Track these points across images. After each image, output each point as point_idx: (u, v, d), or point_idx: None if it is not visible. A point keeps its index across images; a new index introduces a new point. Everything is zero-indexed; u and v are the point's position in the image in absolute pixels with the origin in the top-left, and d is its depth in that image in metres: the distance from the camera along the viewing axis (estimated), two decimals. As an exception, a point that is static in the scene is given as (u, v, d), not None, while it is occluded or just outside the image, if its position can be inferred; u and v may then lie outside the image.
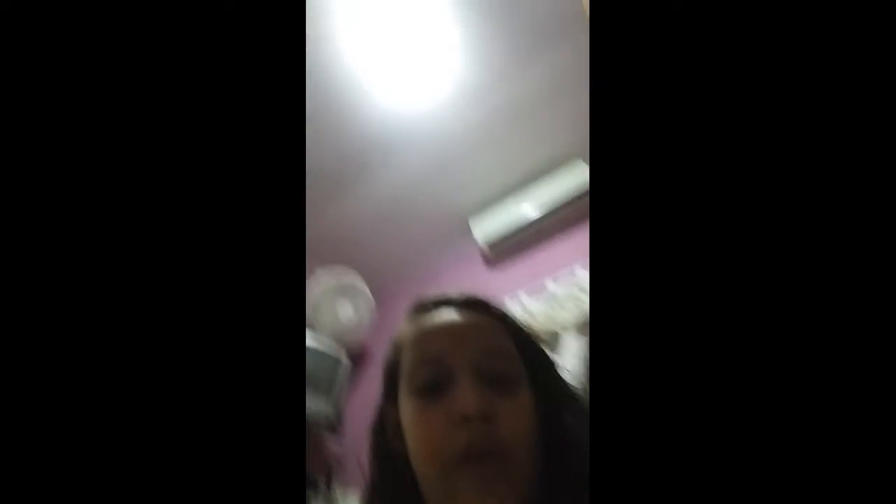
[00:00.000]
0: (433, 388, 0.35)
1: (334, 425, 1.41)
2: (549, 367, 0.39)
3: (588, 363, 0.25)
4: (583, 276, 1.20)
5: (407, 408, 0.36)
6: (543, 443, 0.34)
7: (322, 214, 1.71)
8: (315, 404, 1.29)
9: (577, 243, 1.33)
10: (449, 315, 0.39)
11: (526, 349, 0.39)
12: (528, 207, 1.44)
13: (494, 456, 0.31)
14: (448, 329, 0.38)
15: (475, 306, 0.40)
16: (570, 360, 1.02)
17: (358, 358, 1.56)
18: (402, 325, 0.42)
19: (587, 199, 1.39)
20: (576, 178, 1.38)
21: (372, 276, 1.75)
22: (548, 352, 0.40)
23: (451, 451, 0.32)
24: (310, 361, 1.33)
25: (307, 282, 1.54)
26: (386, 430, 0.40)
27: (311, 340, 1.36)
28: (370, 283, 1.66)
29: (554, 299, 1.19)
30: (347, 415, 1.42)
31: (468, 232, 1.57)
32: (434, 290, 0.43)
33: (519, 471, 0.32)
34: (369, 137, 1.44)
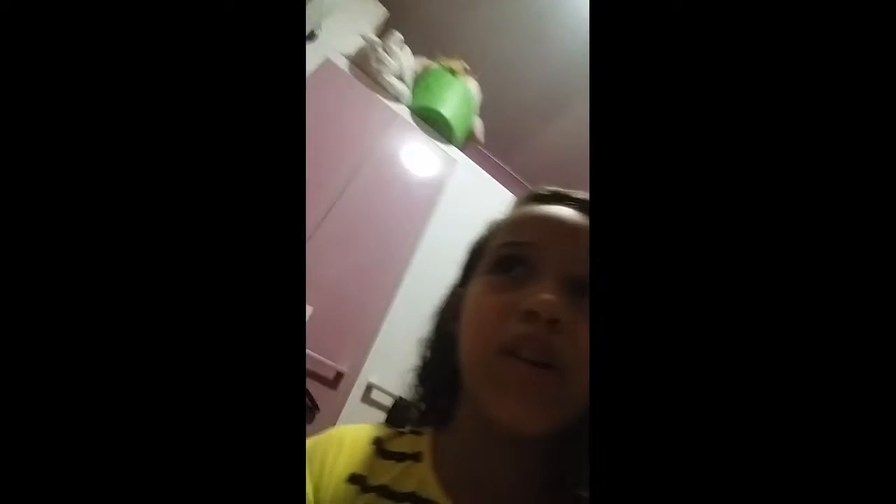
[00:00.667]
0: (509, 271, 0.30)
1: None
2: None
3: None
4: None
5: (475, 285, 0.32)
6: None
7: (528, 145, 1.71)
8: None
9: None
10: (563, 211, 0.32)
11: None
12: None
13: (551, 368, 0.27)
14: (553, 220, 0.32)
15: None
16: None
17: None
18: (511, 205, 0.37)
19: None
20: None
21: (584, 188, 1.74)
22: None
23: (504, 338, 0.28)
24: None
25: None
26: (447, 311, 0.37)
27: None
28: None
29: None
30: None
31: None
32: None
33: (571, 391, 0.27)
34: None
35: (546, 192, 0.35)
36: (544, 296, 0.27)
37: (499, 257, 0.32)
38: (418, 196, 1.32)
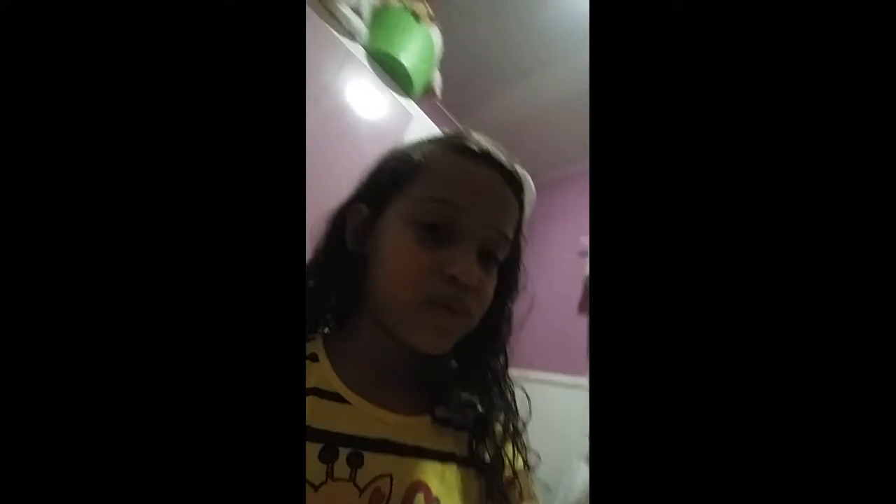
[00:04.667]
0: (433, 231, 0.34)
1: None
2: (517, 261, 0.42)
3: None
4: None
5: (398, 232, 0.35)
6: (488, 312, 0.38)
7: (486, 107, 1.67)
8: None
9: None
10: (492, 177, 0.36)
11: (514, 241, 0.40)
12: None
13: (460, 314, 0.34)
14: (485, 192, 0.36)
15: (514, 184, 0.37)
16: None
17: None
18: (433, 145, 0.39)
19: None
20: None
21: (536, 163, 1.76)
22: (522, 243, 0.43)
23: (426, 292, 0.33)
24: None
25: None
26: (347, 224, 0.39)
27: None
28: (530, 170, 1.69)
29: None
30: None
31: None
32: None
33: (469, 325, 0.36)
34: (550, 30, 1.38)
35: (477, 149, 0.36)
36: (465, 264, 0.33)
37: (426, 212, 0.35)
38: (369, 150, 1.23)
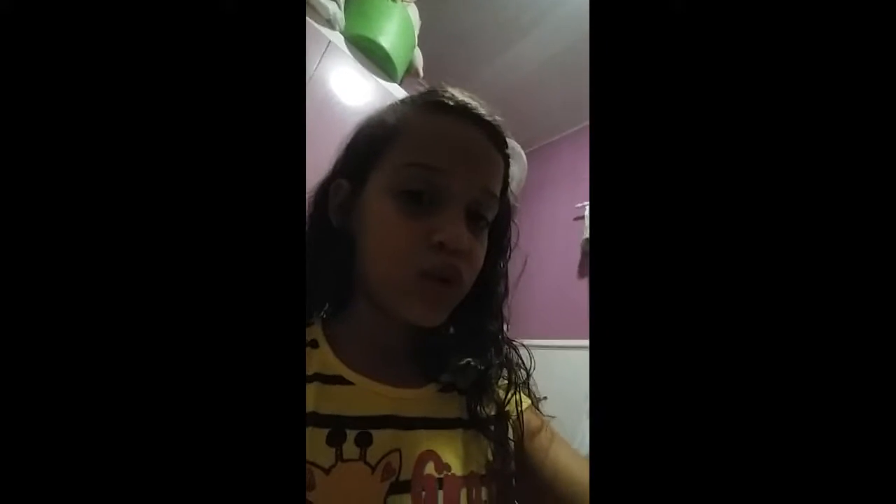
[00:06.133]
0: (417, 200, 0.33)
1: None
2: (507, 220, 0.41)
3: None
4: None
5: (380, 204, 0.34)
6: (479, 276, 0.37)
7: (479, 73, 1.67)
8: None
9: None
10: (471, 133, 0.34)
11: (502, 198, 0.39)
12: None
13: (452, 283, 0.33)
14: (465, 149, 0.34)
15: (496, 138, 0.36)
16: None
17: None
18: (407, 106, 0.37)
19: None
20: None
21: (525, 132, 1.77)
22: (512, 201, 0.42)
23: (417, 264, 0.32)
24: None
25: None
26: (329, 201, 0.38)
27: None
28: (523, 140, 1.70)
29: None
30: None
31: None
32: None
33: (462, 293, 0.35)
34: None
35: (453, 104, 0.34)
36: (453, 229, 0.32)
37: (407, 179, 0.33)
38: (358, 136, 1.25)
